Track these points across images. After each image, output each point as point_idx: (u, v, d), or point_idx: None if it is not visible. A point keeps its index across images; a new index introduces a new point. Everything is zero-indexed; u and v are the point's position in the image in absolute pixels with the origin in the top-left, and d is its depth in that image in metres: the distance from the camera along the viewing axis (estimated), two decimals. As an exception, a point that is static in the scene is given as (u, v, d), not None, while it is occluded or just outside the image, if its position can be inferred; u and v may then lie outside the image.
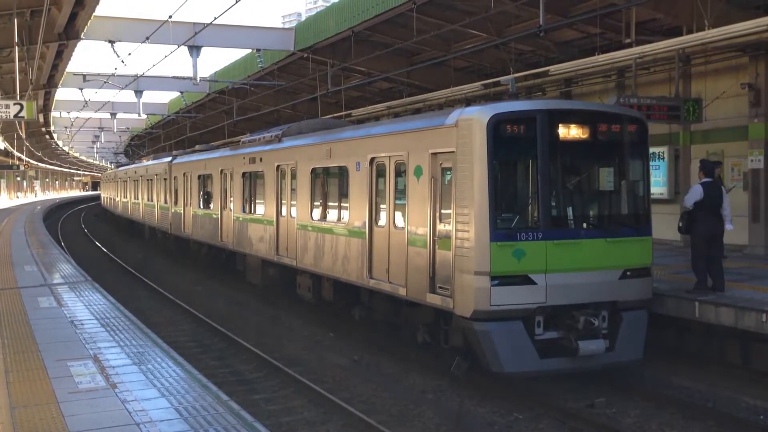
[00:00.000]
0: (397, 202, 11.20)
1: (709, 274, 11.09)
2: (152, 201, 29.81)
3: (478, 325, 9.22)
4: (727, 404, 9.47)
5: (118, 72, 26.19)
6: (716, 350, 11.13)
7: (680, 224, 11.30)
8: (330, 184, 13.96)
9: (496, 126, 9.32)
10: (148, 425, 5.83)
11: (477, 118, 9.45)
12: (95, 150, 69.78)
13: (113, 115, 41.77)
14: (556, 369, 9.57)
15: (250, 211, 17.86)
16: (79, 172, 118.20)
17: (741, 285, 11.60)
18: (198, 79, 22.95)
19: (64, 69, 26.90)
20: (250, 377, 10.93)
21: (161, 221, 27.84)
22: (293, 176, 15.12)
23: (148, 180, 31.08)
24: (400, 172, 11.13)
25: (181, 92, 36.00)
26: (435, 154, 10.16)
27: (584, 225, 10.06)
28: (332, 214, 13.64)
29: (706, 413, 9.09)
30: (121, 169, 43.80)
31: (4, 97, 24.54)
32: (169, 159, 27.29)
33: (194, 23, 22.17)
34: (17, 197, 75.55)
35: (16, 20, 18.04)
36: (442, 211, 10.06)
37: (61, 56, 24.27)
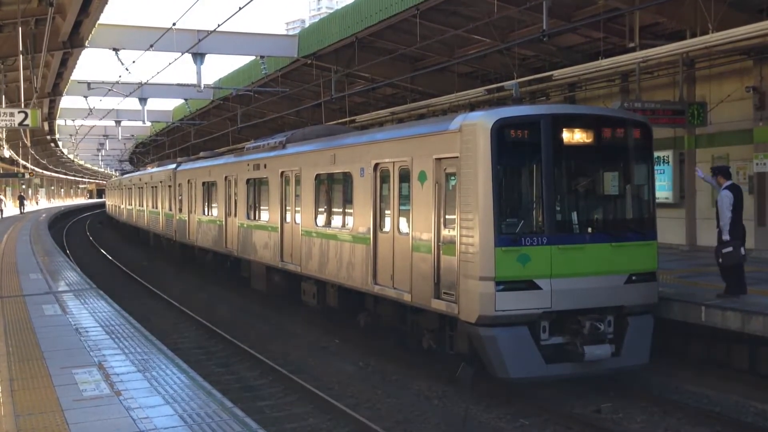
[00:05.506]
0: (402, 207, 11.19)
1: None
2: (157, 208, 29.87)
3: (483, 330, 9.19)
4: (735, 409, 9.42)
5: (122, 80, 26.25)
6: (723, 355, 11.07)
7: (719, 260, 10.75)
8: (334, 190, 13.96)
9: (499, 131, 9.30)
10: (152, 433, 5.82)
11: (481, 123, 9.44)
12: (100, 158, 70.00)
13: (118, 122, 41.93)
14: (562, 374, 9.53)
15: (255, 218, 17.86)
16: (84, 179, 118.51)
17: (748, 289, 11.52)
18: (202, 86, 23.04)
19: (69, 77, 27.02)
20: (254, 384, 10.90)
21: (166, 228, 27.88)
22: (297, 182, 15.12)
23: (152, 187, 31.13)
24: (404, 178, 11.11)
25: (186, 99, 36.10)
26: (439, 159, 10.15)
27: (589, 230, 10.02)
28: (336, 220, 13.63)
29: (713, 418, 9.03)
30: (125, 176, 43.87)
31: (9, 105, 24.58)
32: (174, 166, 27.34)
33: (198, 30, 22.26)
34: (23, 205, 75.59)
35: (20, 29, 18.10)
36: (447, 217, 10.03)
37: (66, 64, 24.37)
